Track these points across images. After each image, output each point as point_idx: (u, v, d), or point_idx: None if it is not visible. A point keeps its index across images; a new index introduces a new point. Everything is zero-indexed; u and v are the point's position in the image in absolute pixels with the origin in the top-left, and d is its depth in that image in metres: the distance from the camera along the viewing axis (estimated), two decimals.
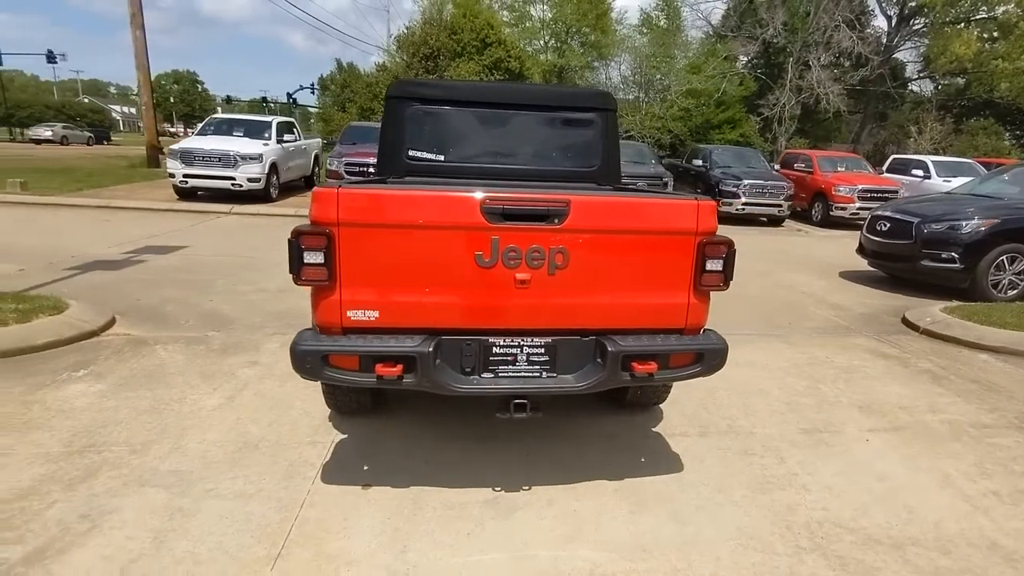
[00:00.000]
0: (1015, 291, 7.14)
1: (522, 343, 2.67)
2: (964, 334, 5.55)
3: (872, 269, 8.37)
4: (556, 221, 2.55)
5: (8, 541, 2.47)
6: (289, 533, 2.60)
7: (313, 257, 2.46)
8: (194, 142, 13.87)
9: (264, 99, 54.80)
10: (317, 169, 17.16)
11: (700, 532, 2.73)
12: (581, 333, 2.72)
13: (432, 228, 2.52)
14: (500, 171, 4.02)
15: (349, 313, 2.55)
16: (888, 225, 7.68)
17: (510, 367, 2.68)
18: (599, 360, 2.68)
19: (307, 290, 2.63)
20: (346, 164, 13.23)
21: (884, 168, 16.55)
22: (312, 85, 41.68)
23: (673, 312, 2.75)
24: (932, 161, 15.27)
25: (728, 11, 30.61)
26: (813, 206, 14.64)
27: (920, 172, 14.81)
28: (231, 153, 13.08)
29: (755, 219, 14.08)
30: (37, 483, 2.88)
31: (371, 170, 10.54)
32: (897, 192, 13.55)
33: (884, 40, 29.85)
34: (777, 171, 15.48)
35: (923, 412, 4.10)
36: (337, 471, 3.11)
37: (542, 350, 2.69)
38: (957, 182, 11.66)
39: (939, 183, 13.66)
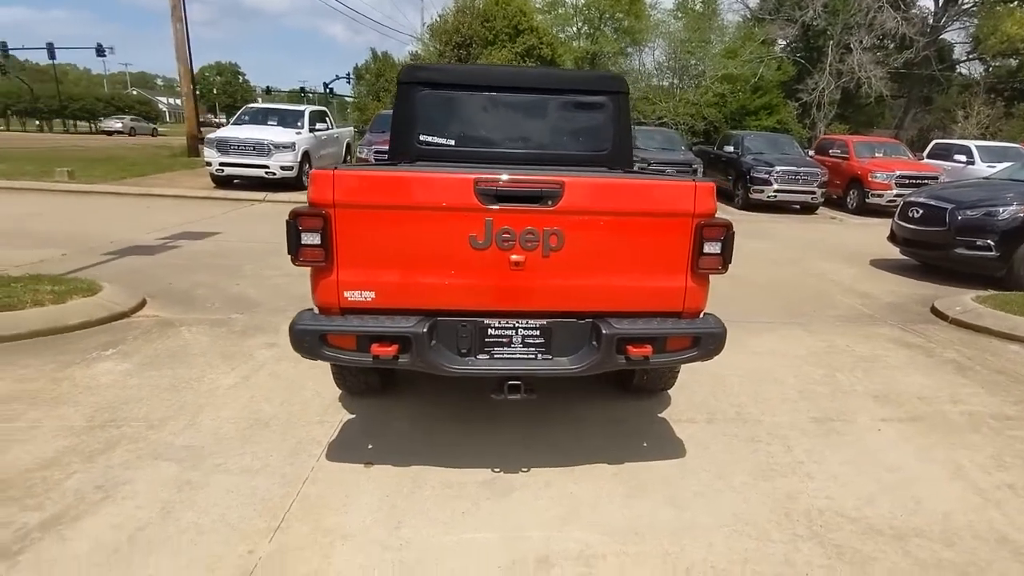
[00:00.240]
0: None
1: (517, 325, 2.69)
2: (996, 324, 5.36)
3: (905, 258, 8.13)
4: (550, 203, 2.55)
5: (29, 507, 2.61)
6: (290, 507, 2.68)
7: (310, 238, 2.52)
8: (229, 131, 14.20)
9: (302, 89, 55.71)
10: (349, 157, 17.38)
11: (696, 518, 2.72)
12: (577, 316, 2.72)
13: (426, 210, 2.55)
14: (511, 155, 4.02)
15: (346, 294, 2.60)
16: (921, 211, 7.43)
17: (505, 349, 2.70)
18: (594, 343, 2.68)
19: None
20: (375, 152, 13.36)
21: (925, 154, 15.97)
22: (348, 75, 42.12)
23: (671, 295, 2.73)
24: (976, 146, 14.67)
25: None
26: (848, 193, 14.22)
27: (963, 158, 14.25)
28: (265, 142, 13.35)
29: (788, 207, 13.77)
30: (60, 454, 3.02)
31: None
32: (937, 178, 13.07)
33: (930, 20, 28.62)
34: (811, 157, 15.08)
35: (942, 403, 3.99)
36: (342, 449, 3.19)
37: (537, 332, 2.70)
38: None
39: (983, 169, 13.11)
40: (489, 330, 2.68)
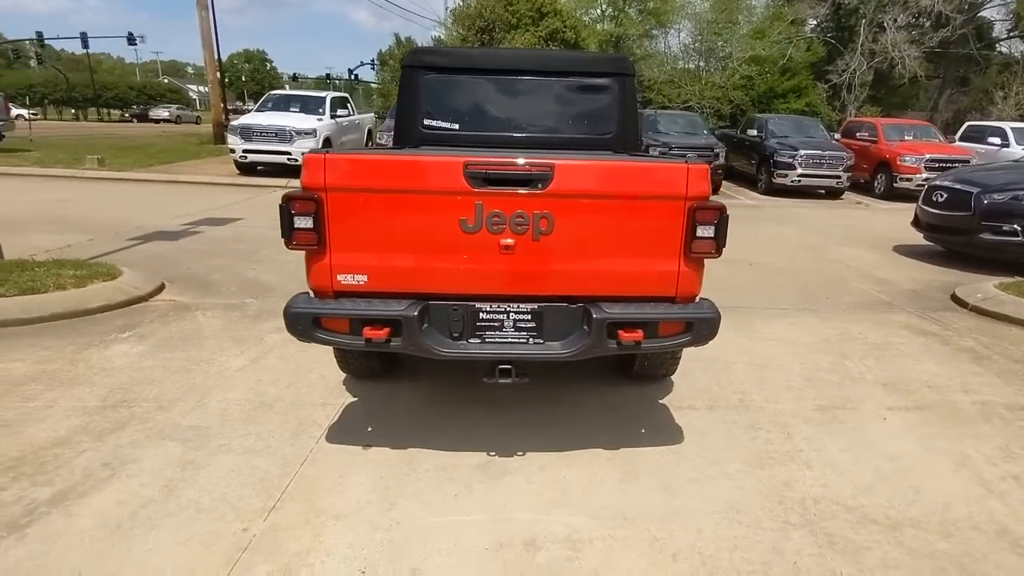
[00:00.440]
0: None
1: (509, 309, 2.70)
2: (1017, 312, 5.21)
3: (929, 244, 7.91)
4: (539, 186, 2.55)
5: (40, 483, 2.72)
6: (287, 487, 2.75)
7: (303, 222, 2.56)
8: (252, 118, 14.38)
9: (328, 76, 56.10)
10: (370, 143, 17.48)
11: (687, 504, 2.72)
12: (569, 300, 2.72)
13: (416, 193, 2.57)
14: (515, 139, 4.01)
15: (339, 277, 2.64)
16: (945, 196, 7.21)
17: (497, 333, 2.71)
18: (586, 327, 2.68)
19: None
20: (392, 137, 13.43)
21: (957, 136, 15.45)
22: (372, 61, 42.25)
23: (663, 280, 2.71)
24: (1012, 128, 14.10)
25: None
26: (876, 177, 13.85)
27: (997, 140, 13.72)
28: (287, 128, 13.50)
29: (813, 191, 13.49)
30: (72, 433, 3.14)
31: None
32: (968, 162, 12.64)
33: None
34: (838, 141, 14.71)
35: (953, 391, 3.90)
36: (342, 432, 3.25)
37: (528, 316, 2.71)
38: None
39: (1018, 152, 12.65)
40: (480, 314, 2.70)
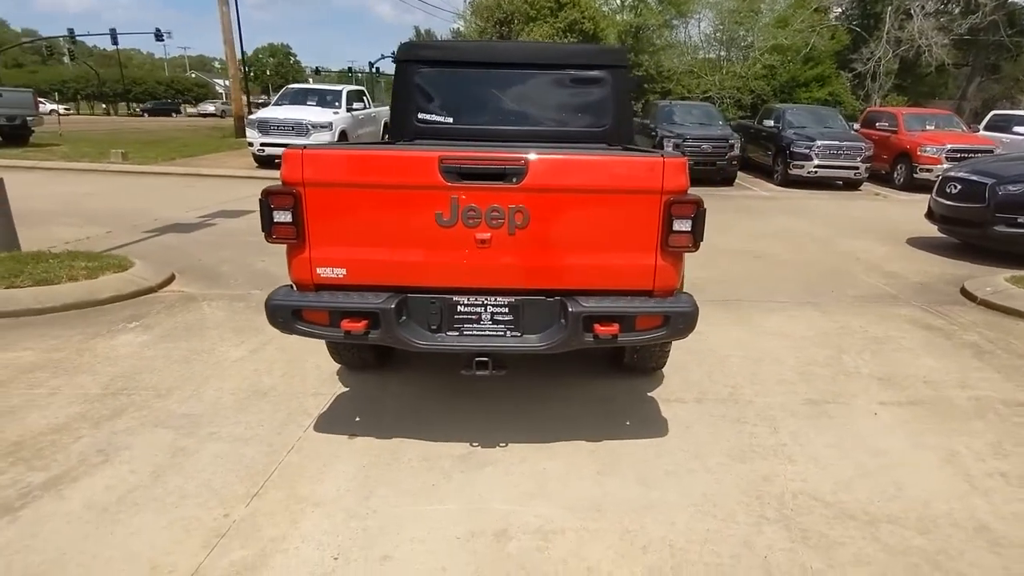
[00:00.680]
0: None
1: (486, 302, 2.73)
2: None
3: (944, 236, 7.75)
4: (514, 180, 2.56)
5: (36, 468, 2.82)
6: (271, 475, 2.82)
7: (282, 216, 2.61)
8: (270, 112, 14.57)
9: (350, 69, 56.49)
10: (386, 136, 17.58)
11: (663, 497, 2.73)
12: (546, 293, 2.74)
13: (393, 188, 2.60)
14: (508, 133, 4.03)
15: (319, 270, 2.69)
16: (959, 187, 7.05)
17: (475, 325, 2.75)
18: (563, 321, 2.70)
19: None
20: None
21: (982, 125, 15.04)
22: (392, 54, 42.37)
23: (640, 274, 2.71)
24: None
25: None
26: (895, 168, 13.58)
27: (1023, 130, 13.37)
28: (303, 122, 13.66)
29: (830, 183, 13.26)
30: (71, 420, 3.25)
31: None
32: (992, 151, 12.31)
33: None
34: (857, 131, 14.42)
35: (949, 387, 3.84)
36: (329, 421, 3.32)
37: (506, 310, 2.73)
38: None
39: None
40: (458, 307, 2.73)
